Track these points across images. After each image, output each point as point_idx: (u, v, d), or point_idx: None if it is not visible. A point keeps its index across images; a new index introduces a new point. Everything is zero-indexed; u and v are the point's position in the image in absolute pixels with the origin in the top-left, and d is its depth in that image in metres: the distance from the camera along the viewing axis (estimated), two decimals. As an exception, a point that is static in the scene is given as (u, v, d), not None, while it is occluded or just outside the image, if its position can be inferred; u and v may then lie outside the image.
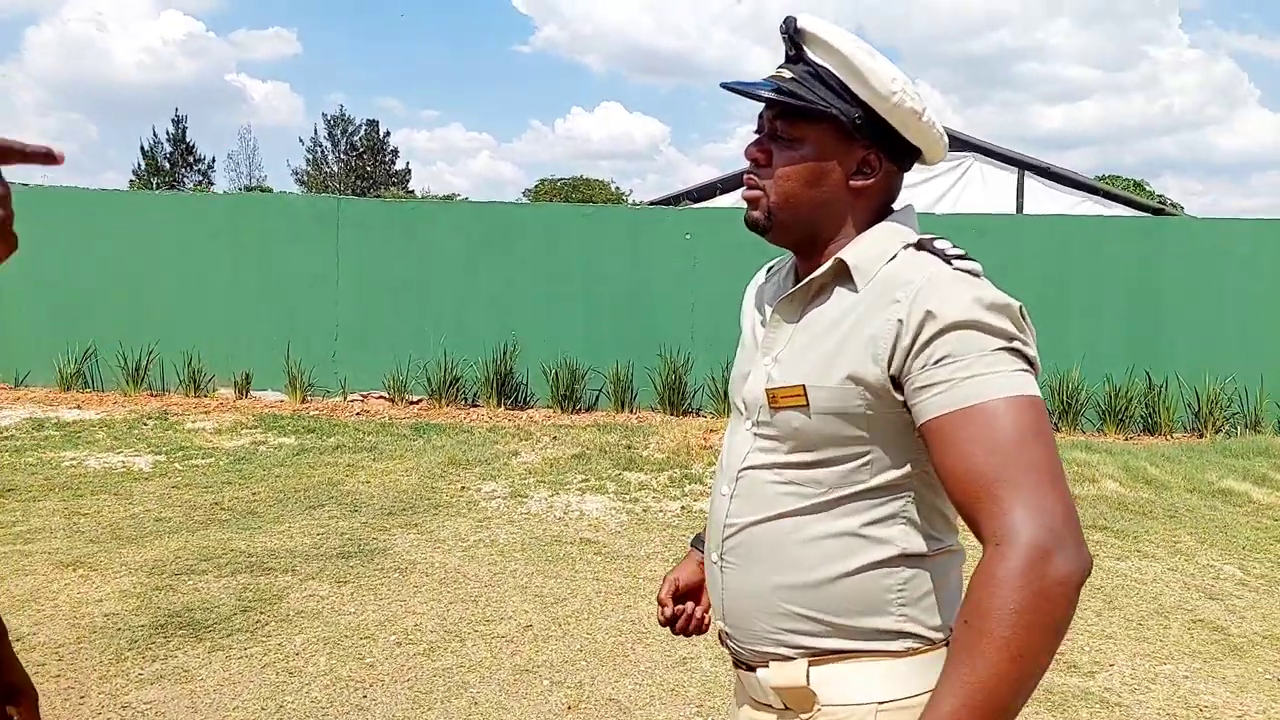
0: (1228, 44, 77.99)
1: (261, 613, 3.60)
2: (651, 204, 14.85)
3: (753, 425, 1.14)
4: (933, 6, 77.18)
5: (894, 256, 1.08)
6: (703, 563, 1.36)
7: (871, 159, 1.11)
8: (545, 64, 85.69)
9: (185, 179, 36.00)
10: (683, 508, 5.46)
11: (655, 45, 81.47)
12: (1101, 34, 73.79)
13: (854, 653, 1.06)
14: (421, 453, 6.49)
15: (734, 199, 12.06)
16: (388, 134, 42.90)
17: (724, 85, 1.14)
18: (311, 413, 7.78)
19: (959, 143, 12.07)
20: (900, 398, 1.01)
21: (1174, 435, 7.97)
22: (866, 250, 1.09)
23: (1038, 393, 0.96)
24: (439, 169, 76.23)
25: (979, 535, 0.93)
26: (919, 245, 1.08)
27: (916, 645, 1.06)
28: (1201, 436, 7.85)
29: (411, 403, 8.33)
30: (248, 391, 8.33)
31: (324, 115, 47.66)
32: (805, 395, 1.07)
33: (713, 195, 12.55)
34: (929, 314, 0.98)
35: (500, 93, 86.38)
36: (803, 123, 1.10)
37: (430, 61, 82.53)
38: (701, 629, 1.39)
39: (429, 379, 8.30)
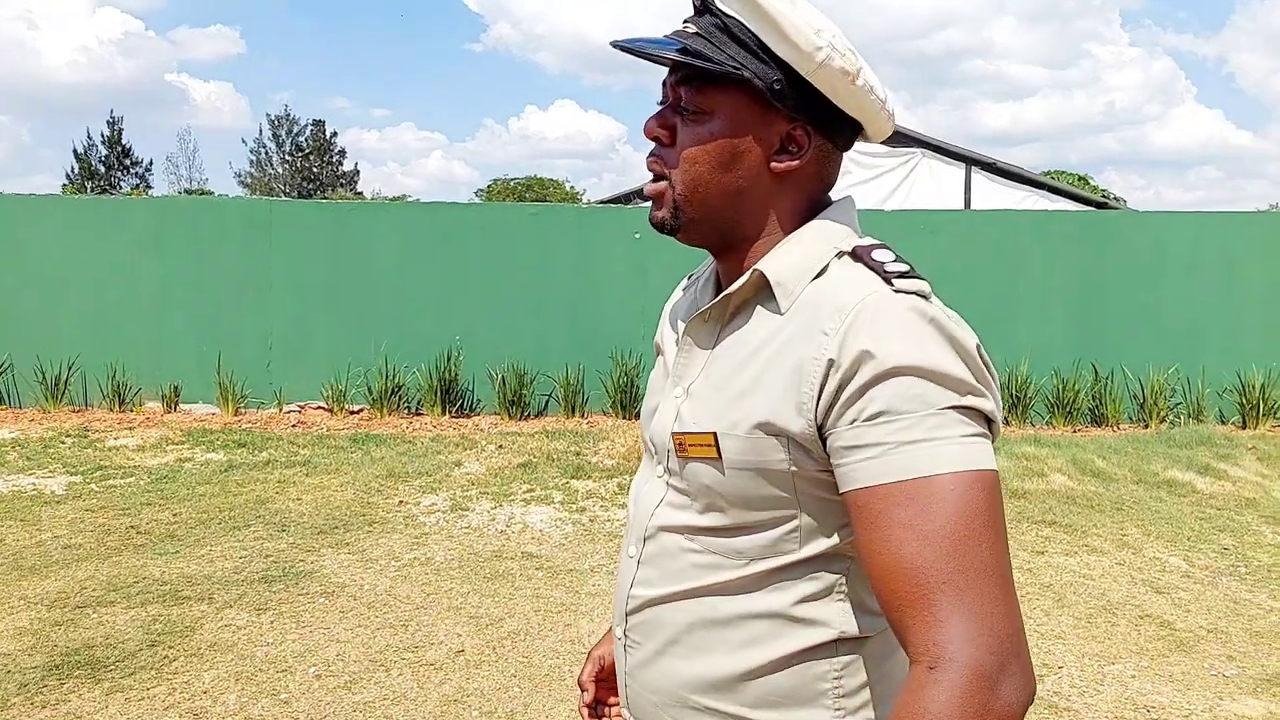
0: (1165, 42, 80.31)
1: (170, 647, 3.37)
2: (601, 203, 14.68)
3: (665, 474, 0.95)
4: (882, 5, 78.16)
5: (825, 268, 0.88)
6: None
7: (797, 134, 0.89)
8: (497, 63, 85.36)
9: (121, 182, 35.05)
10: (628, 516, 5.31)
11: (608, 43, 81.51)
12: (1046, 33, 75.45)
13: None
14: (359, 465, 6.26)
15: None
16: (334, 134, 42.40)
17: (615, 44, 0.90)
18: (244, 426, 7.49)
19: (907, 139, 12.08)
20: (826, 454, 0.82)
21: (1120, 426, 8.01)
22: (792, 258, 0.89)
23: (992, 464, 0.77)
24: (390, 169, 75.52)
25: (905, 646, 0.75)
26: (854, 255, 0.87)
27: None
28: (1146, 427, 7.90)
29: (352, 413, 8.06)
30: (176, 405, 7.99)
31: (268, 115, 46.84)
32: (716, 446, 0.86)
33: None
34: (864, 354, 0.78)
35: (452, 92, 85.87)
36: (710, 89, 0.88)
37: (380, 60, 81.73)
38: None
39: (370, 388, 8.05)
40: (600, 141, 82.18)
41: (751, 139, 0.89)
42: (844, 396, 0.79)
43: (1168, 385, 8.04)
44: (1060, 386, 8.04)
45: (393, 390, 8.05)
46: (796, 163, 0.90)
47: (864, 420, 0.78)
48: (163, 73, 67.33)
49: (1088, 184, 24.77)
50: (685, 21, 0.91)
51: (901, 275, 0.84)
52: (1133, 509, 5.56)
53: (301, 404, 8.17)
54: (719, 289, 0.98)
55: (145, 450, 6.59)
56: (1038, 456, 6.51)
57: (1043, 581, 4.31)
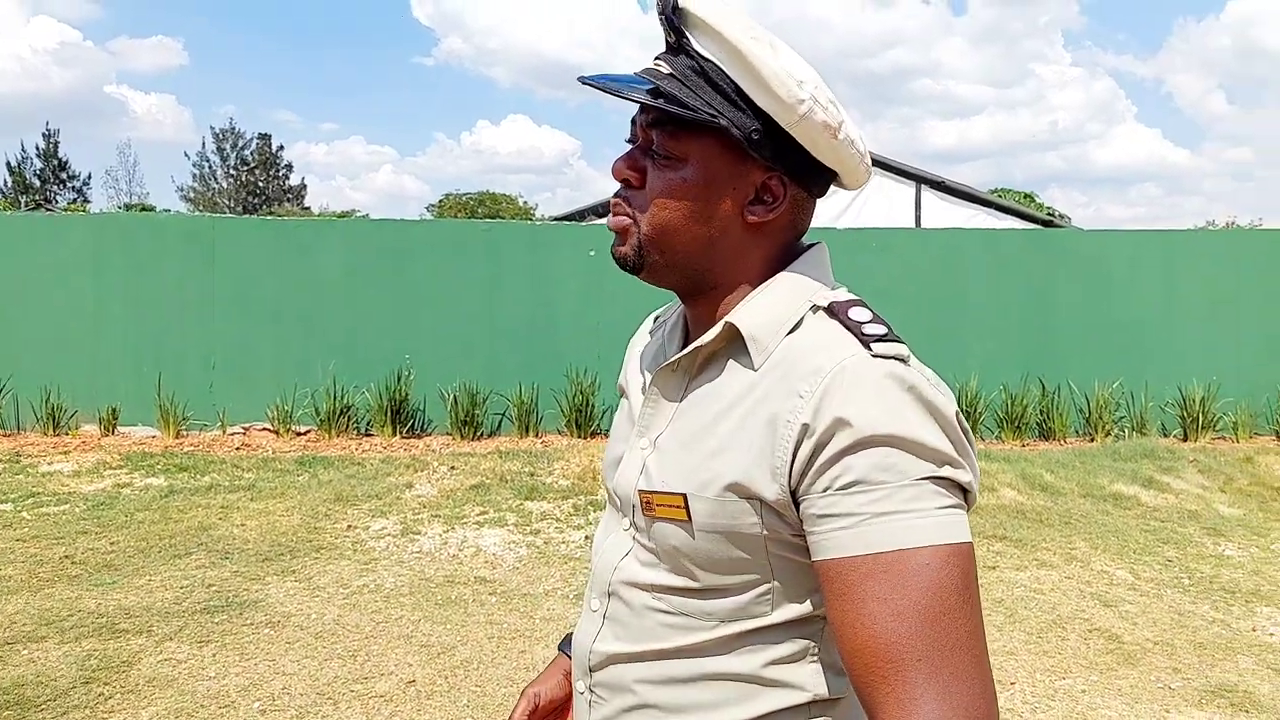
0: (1105, 63, 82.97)
1: (106, 684, 3.24)
2: (555, 219, 14.64)
3: (630, 528, 0.92)
4: (832, 23, 79.61)
5: (800, 323, 0.85)
6: (571, 674, 1.11)
7: (773, 184, 0.86)
8: (449, 77, 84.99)
9: (58, 196, 34.10)
10: (586, 537, 5.25)
11: (563, 58, 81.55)
12: (992, 53, 77.48)
13: None
14: (306, 489, 6.11)
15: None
16: (281, 148, 41.79)
17: (583, 80, 0.86)
18: (186, 449, 7.27)
19: (856, 156, 12.26)
20: (799, 520, 0.80)
21: (1067, 440, 8.16)
22: (765, 312, 0.86)
23: (968, 536, 0.75)
24: (338, 184, 74.57)
25: None
26: (830, 310, 0.85)
27: None
28: (1092, 440, 8.06)
29: (298, 434, 7.88)
30: (114, 428, 7.74)
31: (212, 128, 46.06)
32: (686, 508, 0.84)
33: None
34: (839, 421, 0.76)
35: (403, 105, 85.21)
36: (684, 135, 0.84)
37: (327, 73, 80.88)
38: None
39: (317, 408, 7.88)
40: (554, 156, 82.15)
41: (726, 188, 0.86)
42: (818, 463, 0.77)
43: (1112, 399, 8.22)
44: (1009, 401, 8.18)
45: (341, 411, 7.89)
46: (771, 215, 0.87)
47: (837, 489, 0.76)
48: (101, 84, 65.81)
49: (1033, 201, 25.36)
50: (658, 58, 0.87)
51: (879, 339, 0.81)
52: (1080, 522, 5.65)
53: (246, 425, 7.97)
54: (687, 335, 0.96)
55: (81, 476, 6.36)
56: (988, 471, 6.60)
57: (995, 596, 4.35)
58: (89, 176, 36.86)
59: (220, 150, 40.18)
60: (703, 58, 0.83)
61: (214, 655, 3.52)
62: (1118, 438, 8.04)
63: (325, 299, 8.06)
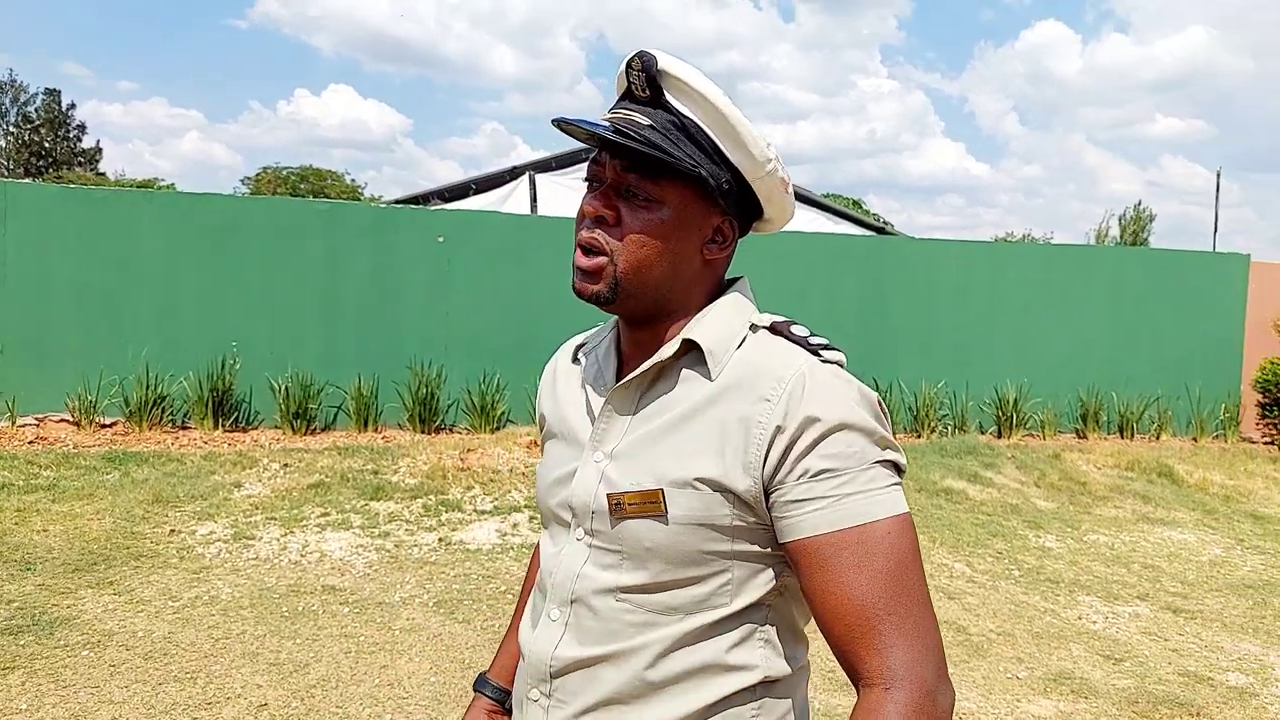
0: (917, 79, 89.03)
1: (-115, 728, 2.74)
2: (397, 202, 13.94)
3: (585, 536, 0.97)
4: (669, 22, 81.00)
5: (744, 339, 0.97)
6: (495, 711, 1.19)
7: (725, 228, 0.99)
8: (265, 41, 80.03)
9: None
10: (440, 539, 5.00)
11: (390, 31, 78.56)
12: (817, 60, 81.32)
13: None
14: (118, 489, 5.48)
15: (488, 200, 11.50)
16: (72, 106, 37.83)
17: (557, 122, 0.94)
18: (-31, 443, 6.39)
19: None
20: (768, 508, 0.90)
21: (897, 437, 8.59)
22: (715, 330, 0.97)
23: (908, 507, 0.91)
24: (137, 147, 68.59)
25: (858, 670, 0.86)
26: (773, 329, 0.98)
27: None
28: (919, 437, 8.56)
29: (104, 426, 7.09)
30: (-122, 418, 6.70)
31: (-11, 81, 41.07)
32: (664, 503, 0.91)
33: (466, 195, 11.91)
34: (808, 418, 0.88)
35: (212, 69, 79.38)
36: (664, 181, 0.94)
37: (124, 28, 74.09)
38: None
39: (126, 398, 7.11)
40: (381, 132, 78.87)
41: (693, 229, 0.97)
42: (792, 455, 0.88)
43: (937, 398, 8.76)
44: (845, 400, 8.53)
45: (154, 401, 7.17)
46: (722, 253, 1.00)
47: (810, 477, 0.88)
48: None
49: (860, 207, 26.73)
50: (628, 108, 0.95)
51: (824, 348, 0.96)
52: (918, 517, 5.95)
53: (40, 416, 7.09)
54: (622, 356, 1.04)
55: None
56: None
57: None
58: None
59: (-2, 105, 35.98)
60: (682, 115, 0.93)
61: (23, 684, 3.06)
62: (942, 434, 8.57)
63: (138, 278, 7.29)
